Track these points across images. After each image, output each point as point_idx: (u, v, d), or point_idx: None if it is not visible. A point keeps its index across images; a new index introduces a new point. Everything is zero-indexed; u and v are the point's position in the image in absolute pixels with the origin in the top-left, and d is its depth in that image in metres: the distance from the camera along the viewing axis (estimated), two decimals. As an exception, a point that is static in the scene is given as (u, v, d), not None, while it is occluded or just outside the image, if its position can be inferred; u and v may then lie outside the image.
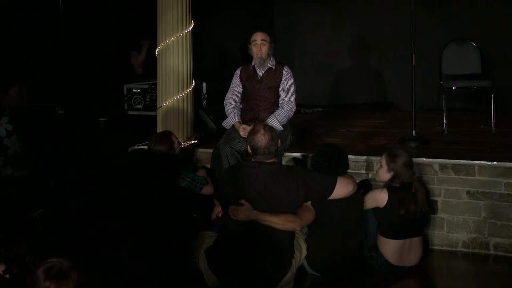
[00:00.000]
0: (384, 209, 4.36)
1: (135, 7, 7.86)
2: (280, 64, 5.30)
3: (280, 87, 5.22)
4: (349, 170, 4.66)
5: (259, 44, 5.14)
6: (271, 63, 5.24)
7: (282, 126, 5.11)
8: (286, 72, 5.23)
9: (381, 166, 4.50)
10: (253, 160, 4.19)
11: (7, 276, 2.89)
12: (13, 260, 2.89)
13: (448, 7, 8.00)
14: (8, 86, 5.01)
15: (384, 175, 4.48)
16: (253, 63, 5.28)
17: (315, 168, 4.45)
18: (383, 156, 4.51)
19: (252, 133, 4.15)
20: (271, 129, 4.19)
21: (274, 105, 5.24)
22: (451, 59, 6.62)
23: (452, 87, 6.52)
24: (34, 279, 2.47)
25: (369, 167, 5.07)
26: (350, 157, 4.82)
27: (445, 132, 6.26)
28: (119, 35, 8.08)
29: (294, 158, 5.29)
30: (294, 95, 5.21)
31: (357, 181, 4.55)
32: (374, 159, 5.01)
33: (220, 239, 4.16)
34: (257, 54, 5.16)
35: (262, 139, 4.07)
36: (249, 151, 4.19)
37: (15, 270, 2.89)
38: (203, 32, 7.55)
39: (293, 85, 5.22)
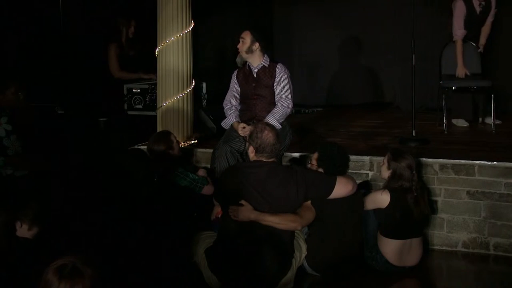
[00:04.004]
0: (386, 210, 4.36)
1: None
2: (274, 62, 5.32)
3: (275, 84, 5.22)
4: (349, 170, 4.66)
5: (240, 41, 5.22)
6: (264, 61, 5.25)
7: (281, 125, 5.10)
8: (279, 69, 5.23)
9: (383, 163, 4.51)
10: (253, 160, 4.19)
11: None
12: None
13: (448, 7, 7.98)
14: (4, 87, 5.01)
15: (385, 172, 4.49)
16: (247, 63, 5.31)
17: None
18: (387, 153, 4.52)
19: (258, 131, 4.13)
20: (273, 127, 4.23)
21: (271, 104, 5.23)
22: (451, 59, 6.61)
23: (452, 87, 6.51)
24: (47, 283, 2.35)
25: (369, 167, 5.07)
26: (350, 157, 4.82)
27: (445, 132, 6.26)
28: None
29: (294, 158, 5.29)
30: (289, 91, 5.19)
31: (358, 182, 4.55)
32: (375, 159, 5.01)
33: (220, 239, 4.16)
34: (239, 50, 5.25)
35: (270, 136, 4.09)
36: (251, 152, 4.17)
37: None
38: (203, 32, 7.54)
39: (288, 82, 5.21)
